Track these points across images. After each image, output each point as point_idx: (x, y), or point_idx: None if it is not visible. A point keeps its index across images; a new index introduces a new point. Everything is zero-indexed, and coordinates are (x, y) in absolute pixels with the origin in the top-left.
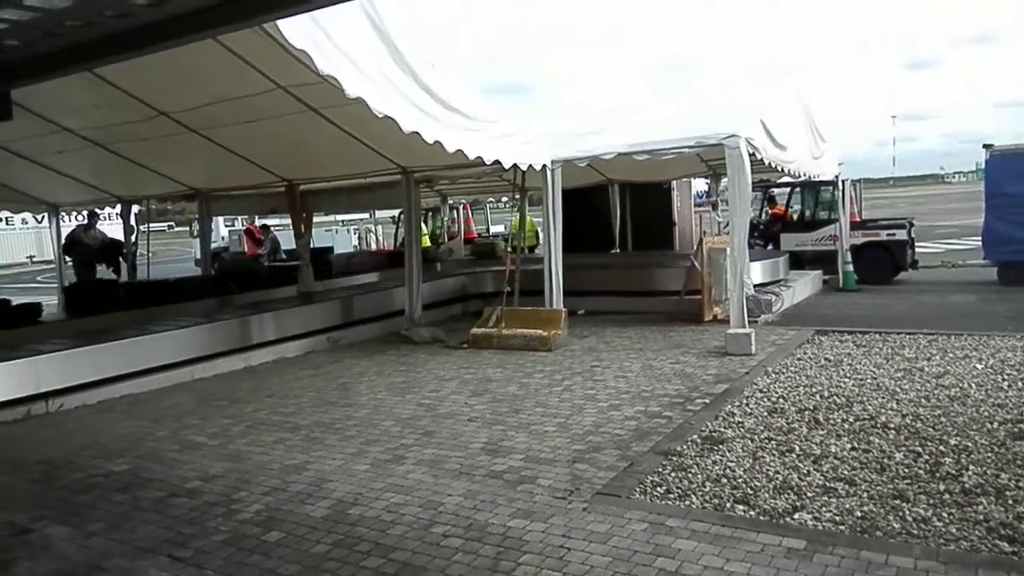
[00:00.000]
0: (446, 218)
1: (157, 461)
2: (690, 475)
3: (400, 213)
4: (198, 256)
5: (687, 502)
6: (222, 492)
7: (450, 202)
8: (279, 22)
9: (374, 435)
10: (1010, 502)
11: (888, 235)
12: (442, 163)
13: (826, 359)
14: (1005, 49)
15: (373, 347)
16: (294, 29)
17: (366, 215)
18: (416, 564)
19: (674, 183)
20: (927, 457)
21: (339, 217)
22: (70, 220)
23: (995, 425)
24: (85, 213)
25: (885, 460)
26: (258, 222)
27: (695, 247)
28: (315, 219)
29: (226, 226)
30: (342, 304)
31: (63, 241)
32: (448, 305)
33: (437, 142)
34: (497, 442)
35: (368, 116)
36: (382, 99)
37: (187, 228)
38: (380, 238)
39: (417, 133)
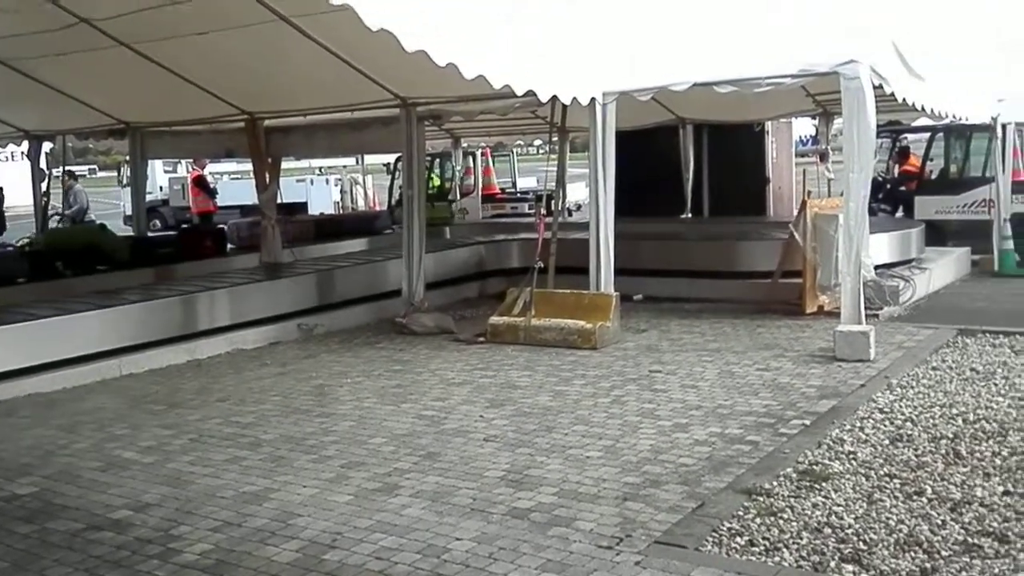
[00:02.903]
0: (459, 168)
1: (73, 483)
2: (782, 522)
3: (398, 160)
4: (129, 211)
5: (777, 558)
6: (158, 526)
7: (464, 146)
8: None
9: (359, 456)
10: None
11: None
12: (456, 93)
13: (973, 370)
14: None
15: (359, 338)
16: None
17: (352, 161)
18: None
19: (769, 125)
20: None
21: (316, 163)
22: None
23: None
24: None
25: None
26: (211, 168)
27: (796, 213)
28: (284, 165)
29: (166, 172)
30: (319, 280)
31: None
32: (460, 284)
33: (451, 64)
34: (522, 470)
35: (358, 29)
36: (375, 6)
37: (115, 174)
38: (370, 192)
39: (424, 52)
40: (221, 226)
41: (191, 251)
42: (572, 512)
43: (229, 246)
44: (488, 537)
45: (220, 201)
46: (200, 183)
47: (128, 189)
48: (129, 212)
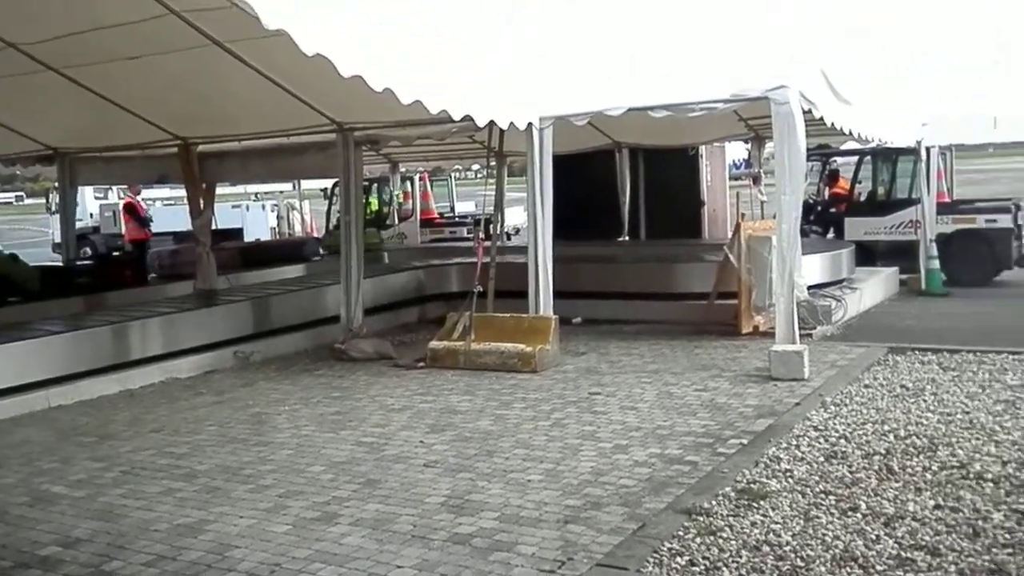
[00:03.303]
0: (396, 192)
1: (0, 519)
2: (721, 541)
3: (334, 185)
4: (58, 239)
5: None
6: (88, 562)
7: (403, 170)
8: None
9: (297, 485)
10: None
11: (987, 221)
12: (393, 118)
13: (903, 387)
14: None
15: (297, 365)
16: None
17: (289, 187)
18: None
19: (703, 149)
20: None
21: (252, 189)
22: None
23: None
24: None
25: (980, 522)
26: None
27: (730, 236)
28: (220, 191)
29: (96, 199)
30: (255, 307)
31: None
32: (399, 310)
33: (387, 90)
34: (463, 495)
35: (294, 54)
36: (312, 33)
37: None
38: (307, 218)
39: (359, 78)
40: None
41: (110, 281)
42: (514, 536)
43: (151, 275)
44: (429, 564)
45: (155, 227)
46: (130, 210)
47: (57, 216)
48: (58, 240)
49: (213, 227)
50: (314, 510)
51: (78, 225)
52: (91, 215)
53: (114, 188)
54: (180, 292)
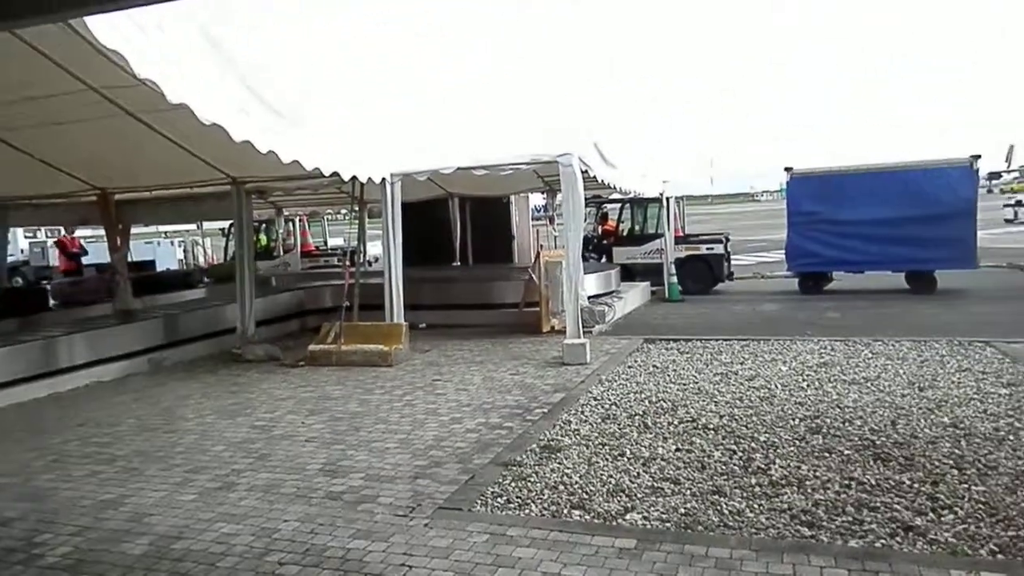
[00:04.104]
0: (280, 230)
1: None
2: (529, 484)
3: (230, 226)
4: None
5: (527, 511)
6: (21, 536)
7: (286, 214)
8: (88, 19)
9: (202, 462)
10: (809, 491)
11: (708, 249)
12: (277, 174)
13: (654, 366)
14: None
15: (202, 367)
16: (105, 27)
17: (193, 226)
18: None
19: (512, 198)
20: (741, 454)
21: (162, 228)
22: None
23: (796, 421)
24: None
25: (705, 459)
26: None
27: (533, 260)
28: (134, 231)
29: (26, 237)
30: (166, 322)
31: None
32: (284, 321)
33: (271, 152)
34: (336, 462)
35: (194, 123)
36: (209, 105)
37: None
38: (209, 251)
39: (248, 142)
40: (45, 285)
41: (12, 308)
42: (376, 491)
43: (52, 302)
44: (310, 516)
45: (90, 260)
46: (61, 247)
47: None
48: None
49: (129, 259)
50: (216, 481)
51: (10, 259)
52: (21, 251)
53: (42, 228)
54: (66, 318)
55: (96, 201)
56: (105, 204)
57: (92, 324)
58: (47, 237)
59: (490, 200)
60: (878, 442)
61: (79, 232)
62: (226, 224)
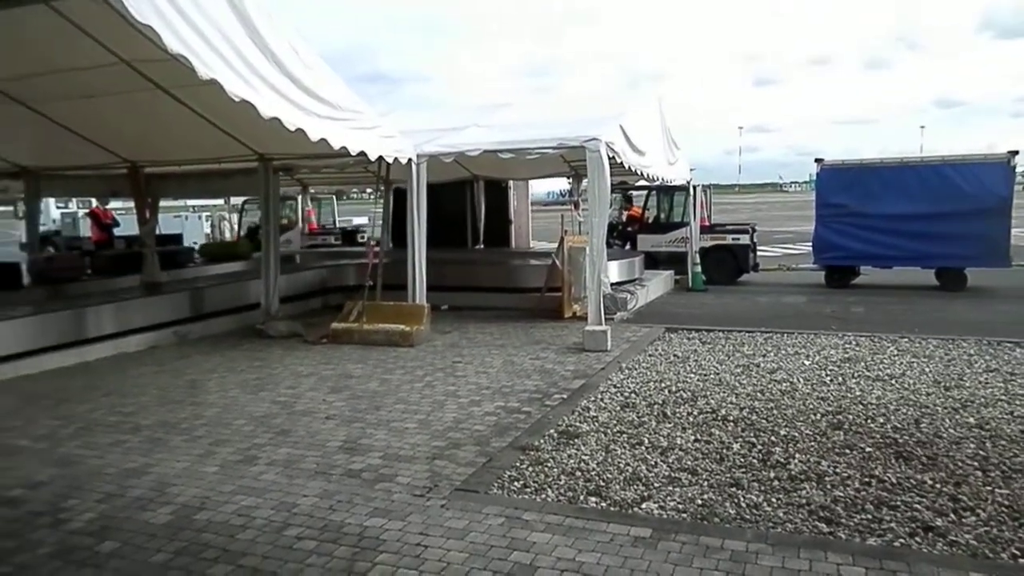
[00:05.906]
0: (289, 211)
1: None
2: (546, 469)
3: (244, 202)
4: (24, 239)
5: (543, 496)
6: (49, 500)
7: (312, 191)
8: None
9: (224, 435)
10: (828, 487)
11: (733, 239)
12: (304, 152)
13: (675, 355)
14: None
15: (225, 342)
16: (139, 1)
17: (220, 201)
18: (267, 569)
19: (511, 183)
20: (760, 447)
21: (190, 202)
22: None
23: (818, 416)
24: None
25: (724, 451)
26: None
27: (556, 246)
28: (163, 204)
29: (58, 208)
30: (191, 296)
31: None
32: (308, 299)
33: (299, 130)
34: (355, 440)
35: (224, 99)
36: (239, 82)
37: (11, 208)
38: (235, 226)
39: (277, 119)
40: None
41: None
42: (394, 470)
43: (27, 280)
44: (329, 493)
45: (123, 232)
46: (94, 218)
47: (24, 221)
48: (24, 240)
49: (157, 233)
50: (238, 455)
51: (42, 229)
52: (53, 221)
53: (74, 200)
54: (128, 284)
55: (126, 174)
56: (135, 177)
57: (120, 296)
58: (78, 208)
59: (491, 184)
60: (900, 440)
61: (114, 204)
62: (242, 199)
